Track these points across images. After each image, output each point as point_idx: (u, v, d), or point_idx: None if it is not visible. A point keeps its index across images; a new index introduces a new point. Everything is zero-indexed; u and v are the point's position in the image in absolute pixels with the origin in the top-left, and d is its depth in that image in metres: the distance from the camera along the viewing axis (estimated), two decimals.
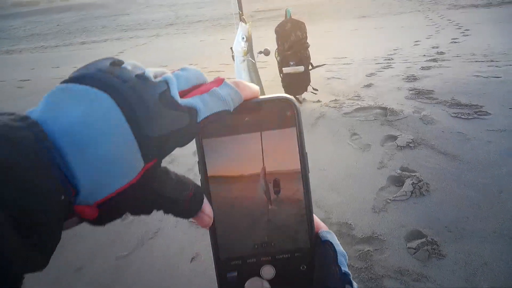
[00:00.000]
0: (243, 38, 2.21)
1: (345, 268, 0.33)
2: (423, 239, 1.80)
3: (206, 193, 0.33)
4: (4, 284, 0.19)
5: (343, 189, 2.27)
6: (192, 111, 0.27)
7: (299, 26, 3.55)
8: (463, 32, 6.34)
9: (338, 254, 0.34)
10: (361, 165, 2.51)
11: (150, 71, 0.27)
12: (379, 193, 2.20)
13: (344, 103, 3.59)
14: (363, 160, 2.57)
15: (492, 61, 4.41)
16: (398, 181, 2.28)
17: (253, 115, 0.33)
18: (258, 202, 0.35)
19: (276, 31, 3.61)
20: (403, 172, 2.34)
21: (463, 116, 3.00)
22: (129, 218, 2.19)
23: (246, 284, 0.35)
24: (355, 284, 0.33)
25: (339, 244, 0.35)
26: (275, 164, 0.34)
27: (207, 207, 0.32)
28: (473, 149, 2.52)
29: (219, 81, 0.30)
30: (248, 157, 0.34)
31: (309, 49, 3.63)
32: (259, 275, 0.35)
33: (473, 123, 2.88)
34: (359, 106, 3.45)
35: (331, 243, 0.35)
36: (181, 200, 0.29)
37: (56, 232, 0.22)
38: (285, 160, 0.34)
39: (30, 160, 0.21)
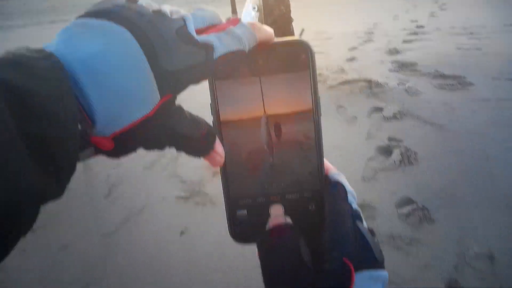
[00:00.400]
0: (254, 8, 2.10)
1: (355, 206, 0.35)
2: (414, 205, 1.80)
3: (218, 134, 0.34)
4: (23, 215, 0.19)
5: (332, 160, 2.17)
6: (208, 47, 0.27)
7: (283, 1, 3.46)
8: (440, 6, 6.39)
9: (348, 193, 0.35)
10: (349, 137, 2.49)
11: (167, 8, 0.28)
12: (368, 163, 2.19)
13: (329, 76, 3.55)
14: (351, 131, 2.56)
15: (471, 33, 4.45)
16: (386, 151, 2.28)
17: (267, 57, 0.33)
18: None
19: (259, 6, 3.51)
20: (391, 142, 2.34)
21: (447, 87, 3.02)
22: (112, 194, 2.11)
23: (269, 224, 0.34)
24: (364, 222, 0.34)
25: (348, 185, 0.36)
26: (288, 106, 0.34)
27: (219, 146, 0.33)
28: (459, 118, 2.54)
29: (235, 21, 0.30)
30: (260, 100, 0.34)
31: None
32: (268, 214, 0.35)
33: (457, 94, 2.90)
34: (343, 80, 3.42)
35: (341, 183, 0.36)
36: (195, 138, 0.30)
37: (72, 161, 0.22)
38: (298, 102, 0.34)
39: (48, 89, 0.21)
